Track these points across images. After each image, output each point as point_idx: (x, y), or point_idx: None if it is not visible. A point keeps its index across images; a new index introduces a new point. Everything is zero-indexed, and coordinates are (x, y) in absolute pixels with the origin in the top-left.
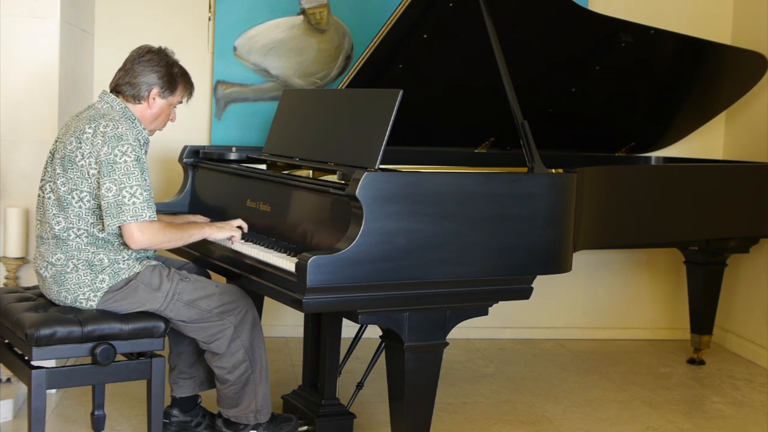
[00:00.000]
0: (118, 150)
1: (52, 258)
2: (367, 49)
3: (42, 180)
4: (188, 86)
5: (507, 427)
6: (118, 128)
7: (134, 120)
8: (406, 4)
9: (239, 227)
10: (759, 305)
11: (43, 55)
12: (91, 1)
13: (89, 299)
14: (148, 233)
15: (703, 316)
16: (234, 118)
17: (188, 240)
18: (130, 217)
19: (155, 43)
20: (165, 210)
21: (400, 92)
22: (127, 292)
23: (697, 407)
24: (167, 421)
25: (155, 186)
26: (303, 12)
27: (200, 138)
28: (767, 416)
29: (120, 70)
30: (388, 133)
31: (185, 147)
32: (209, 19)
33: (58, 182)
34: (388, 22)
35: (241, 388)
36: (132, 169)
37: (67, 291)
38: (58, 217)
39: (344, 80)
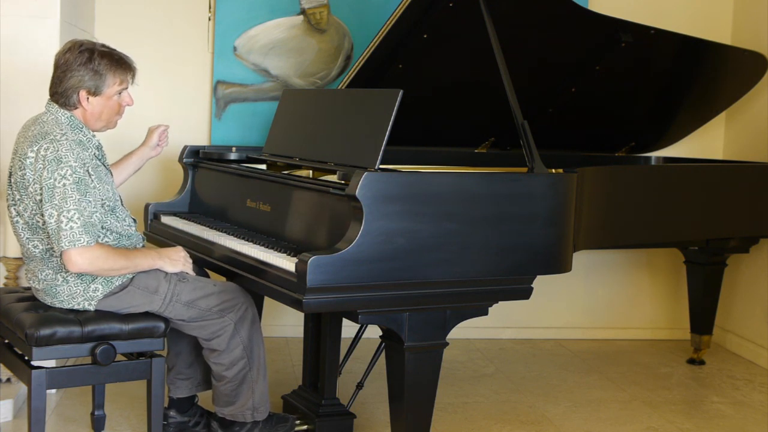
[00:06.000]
0: (58, 174)
1: (41, 274)
2: (367, 49)
3: (7, 199)
4: (121, 70)
5: (507, 427)
6: (58, 150)
7: (82, 128)
8: (406, 4)
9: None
10: (759, 305)
11: (43, 55)
12: (91, 1)
13: (84, 307)
14: (88, 257)
15: (703, 316)
16: (234, 118)
17: (135, 269)
18: (67, 243)
19: (155, 43)
20: (165, 210)
21: (400, 92)
22: (123, 297)
23: (697, 407)
24: (165, 422)
25: (155, 186)
26: (303, 12)
27: (200, 138)
28: (767, 416)
29: (52, 74)
30: (388, 133)
31: (185, 147)
32: (209, 19)
33: (20, 207)
34: (388, 22)
35: (237, 385)
36: (70, 192)
37: (61, 302)
38: (34, 240)
39: (344, 80)
